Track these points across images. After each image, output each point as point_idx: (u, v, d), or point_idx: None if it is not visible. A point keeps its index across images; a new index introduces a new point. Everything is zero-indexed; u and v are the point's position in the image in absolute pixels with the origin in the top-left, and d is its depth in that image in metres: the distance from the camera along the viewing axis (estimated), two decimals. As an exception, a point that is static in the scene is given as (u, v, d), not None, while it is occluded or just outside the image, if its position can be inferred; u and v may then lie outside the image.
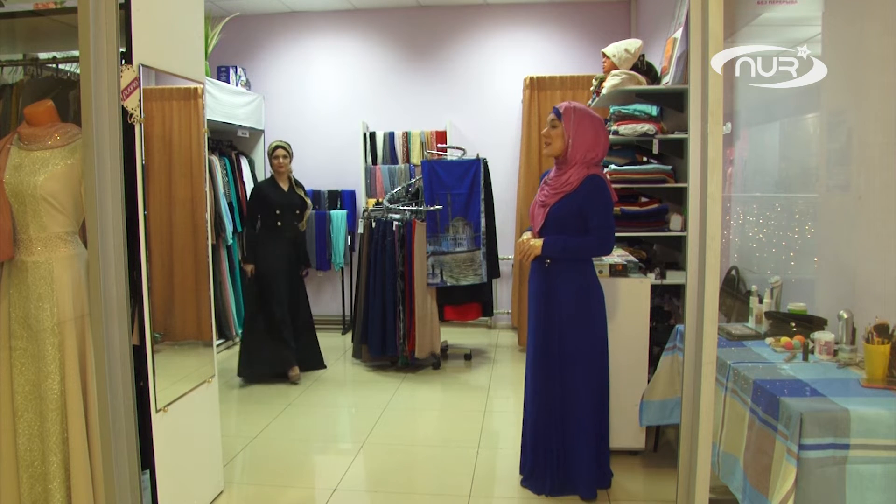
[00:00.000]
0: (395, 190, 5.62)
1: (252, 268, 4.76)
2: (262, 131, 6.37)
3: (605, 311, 2.95)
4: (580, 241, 2.83)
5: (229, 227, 5.64)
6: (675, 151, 3.83)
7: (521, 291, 5.70)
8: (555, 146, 2.89)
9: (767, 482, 1.98)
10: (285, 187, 4.79)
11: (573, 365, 2.88)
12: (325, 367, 5.06)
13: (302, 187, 4.90)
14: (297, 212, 4.79)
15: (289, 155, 4.81)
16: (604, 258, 3.31)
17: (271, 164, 4.79)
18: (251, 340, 4.79)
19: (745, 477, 2.12)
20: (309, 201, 4.93)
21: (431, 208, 5.01)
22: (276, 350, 4.74)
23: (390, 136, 6.30)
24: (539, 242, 2.89)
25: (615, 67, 3.87)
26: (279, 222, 4.71)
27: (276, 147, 4.81)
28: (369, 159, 6.32)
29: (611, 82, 3.79)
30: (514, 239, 5.92)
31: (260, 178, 6.34)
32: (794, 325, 2.58)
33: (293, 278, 4.85)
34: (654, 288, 3.47)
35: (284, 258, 4.76)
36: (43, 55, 3.07)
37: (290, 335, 4.78)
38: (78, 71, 2.20)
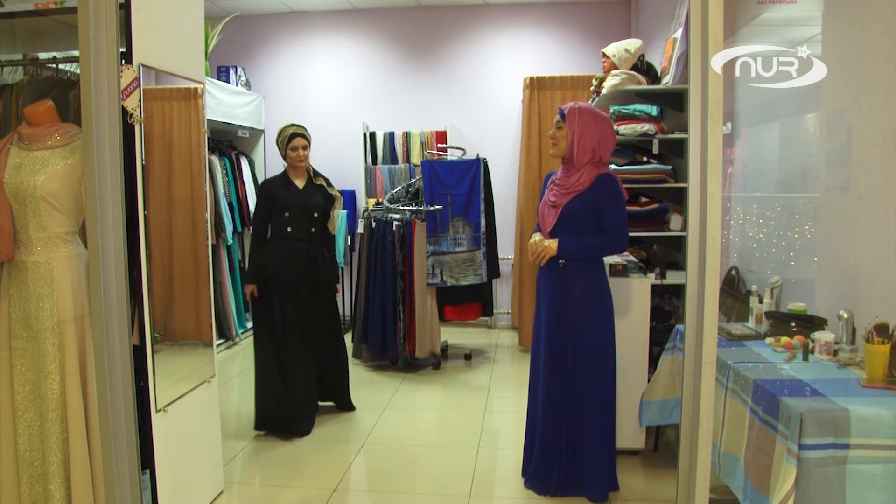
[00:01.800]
0: (395, 190, 5.62)
1: (253, 289, 3.75)
2: (262, 131, 6.37)
3: (613, 312, 2.96)
4: (596, 240, 2.85)
5: (229, 227, 5.64)
6: (675, 151, 3.83)
7: (521, 291, 5.70)
8: (561, 147, 2.91)
9: (768, 482, 1.98)
10: (300, 184, 3.80)
11: (586, 365, 2.88)
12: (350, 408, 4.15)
13: (325, 180, 3.89)
14: (316, 214, 3.77)
15: (309, 145, 3.82)
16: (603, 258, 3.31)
17: (286, 157, 3.80)
18: (264, 386, 3.82)
19: (745, 477, 2.12)
20: (337, 193, 3.91)
21: (431, 208, 5.01)
22: (286, 406, 3.78)
23: (390, 136, 6.30)
24: (554, 243, 2.87)
25: (615, 67, 3.87)
26: (289, 227, 3.72)
27: (294, 135, 3.75)
28: (369, 159, 6.32)
29: (611, 82, 3.79)
30: (514, 239, 5.92)
31: (260, 178, 6.34)
32: (794, 325, 2.58)
33: (310, 303, 3.80)
34: (654, 288, 3.47)
35: (294, 275, 3.74)
36: (43, 55, 3.07)
37: (305, 387, 3.81)
38: (78, 71, 2.20)
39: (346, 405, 4.17)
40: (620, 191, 2.87)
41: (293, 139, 3.74)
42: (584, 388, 2.89)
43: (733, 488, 2.21)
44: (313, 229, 3.78)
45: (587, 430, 2.90)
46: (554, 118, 2.98)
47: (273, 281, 3.73)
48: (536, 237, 3.00)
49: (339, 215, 3.93)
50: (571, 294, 2.88)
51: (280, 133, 3.82)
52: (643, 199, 3.92)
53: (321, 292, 3.86)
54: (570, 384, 2.90)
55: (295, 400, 3.78)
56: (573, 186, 2.86)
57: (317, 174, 3.87)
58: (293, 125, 3.81)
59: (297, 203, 3.74)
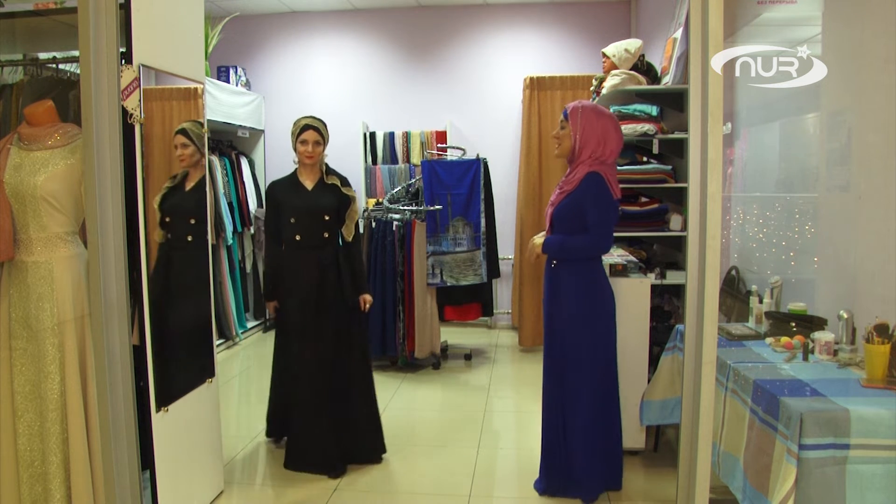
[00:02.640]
0: (395, 190, 5.63)
1: (274, 305, 3.43)
2: (262, 131, 6.37)
3: (612, 313, 2.90)
4: (577, 240, 2.82)
5: (229, 227, 5.64)
6: (675, 151, 3.83)
7: (521, 291, 5.70)
8: (564, 146, 2.88)
9: (767, 482, 1.98)
10: (310, 184, 3.29)
11: (575, 365, 2.86)
12: (380, 458, 3.44)
13: (340, 178, 3.35)
14: (327, 217, 3.25)
15: (323, 140, 3.29)
16: (604, 258, 3.30)
17: (296, 151, 3.31)
18: (279, 398, 3.58)
19: (745, 477, 2.12)
20: (353, 193, 3.35)
21: (431, 208, 5.01)
22: (312, 438, 3.31)
23: (390, 136, 6.30)
24: (540, 241, 2.91)
25: (615, 67, 3.87)
26: (297, 235, 3.24)
27: (307, 127, 3.25)
28: (369, 159, 6.32)
29: (611, 82, 3.79)
30: (514, 239, 5.93)
31: (261, 179, 6.35)
32: (794, 325, 2.58)
33: (326, 320, 3.26)
34: (654, 288, 3.46)
35: (308, 290, 3.24)
36: (43, 55, 3.07)
37: (325, 417, 3.27)
38: (78, 71, 2.20)
39: (366, 447, 3.42)
40: (605, 189, 2.79)
41: (304, 131, 3.24)
42: (572, 388, 2.86)
43: (733, 488, 2.21)
44: (326, 234, 3.27)
45: (577, 430, 2.86)
46: (558, 118, 2.96)
47: (284, 299, 3.35)
48: (539, 236, 3.00)
49: (356, 217, 3.35)
50: (562, 294, 2.87)
51: (293, 124, 3.34)
52: (643, 199, 3.92)
53: (333, 314, 3.28)
54: (560, 383, 2.89)
55: (306, 438, 3.32)
56: (566, 186, 2.86)
57: (330, 172, 3.35)
58: (309, 117, 3.32)
59: (302, 206, 3.26)
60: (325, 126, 3.32)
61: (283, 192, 3.34)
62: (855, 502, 1.84)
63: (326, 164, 3.37)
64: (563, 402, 2.90)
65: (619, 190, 2.90)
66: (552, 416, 2.95)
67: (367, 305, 3.39)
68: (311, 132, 3.24)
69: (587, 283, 2.86)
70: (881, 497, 1.85)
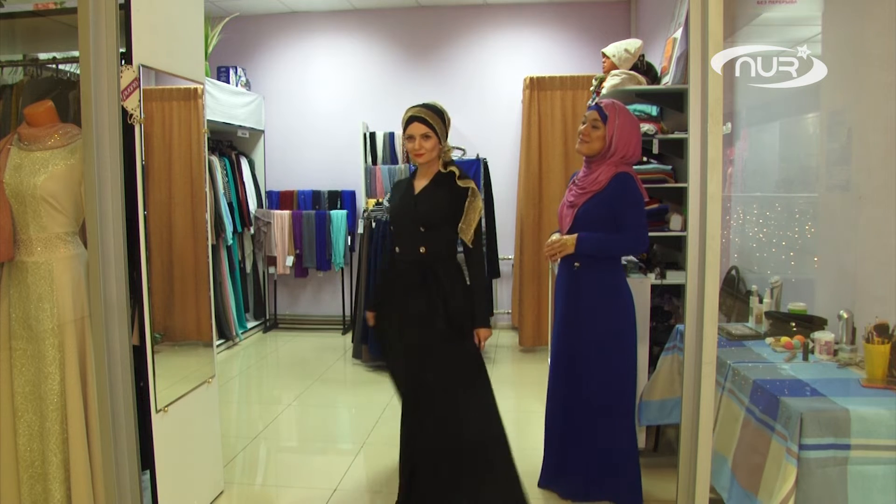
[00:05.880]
0: (395, 190, 5.62)
1: (370, 316, 2.93)
2: (262, 131, 6.37)
3: (634, 319, 2.82)
4: (616, 238, 2.72)
5: (229, 227, 5.64)
6: (675, 151, 3.83)
7: (521, 291, 5.70)
8: (593, 146, 2.78)
9: (759, 482, 1.98)
10: (420, 184, 2.70)
11: (597, 372, 2.77)
12: None
13: (457, 170, 2.67)
14: (423, 229, 2.64)
15: (434, 131, 2.63)
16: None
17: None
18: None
19: (732, 476, 2.12)
20: (470, 185, 2.65)
21: (431, 208, 5.00)
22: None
23: (390, 136, 6.29)
24: (572, 239, 2.75)
25: (615, 67, 3.87)
26: (397, 246, 2.74)
27: (412, 119, 2.65)
28: (369, 159, 6.31)
29: (611, 82, 3.79)
30: (514, 239, 5.92)
31: (260, 179, 6.35)
32: (794, 325, 2.58)
33: (429, 354, 2.66)
34: (654, 288, 3.47)
35: (399, 312, 2.72)
36: (43, 55, 3.07)
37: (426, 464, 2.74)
38: (78, 71, 2.21)
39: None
40: (639, 190, 2.76)
41: (409, 125, 2.66)
42: (594, 393, 2.79)
43: (718, 488, 2.21)
44: (423, 249, 2.65)
45: (598, 434, 2.80)
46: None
47: (383, 313, 2.84)
48: (554, 237, 2.89)
49: (477, 216, 2.65)
50: (585, 298, 2.78)
51: (403, 117, 2.73)
52: (643, 199, 3.92)
53: (444, 336, 2.65)
54: (580, 389, 2.82)
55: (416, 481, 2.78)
56: (590, 186, 2.77)
57: (448, 164, 2.69)
58: (415, 106, 2.69)
59: (404, 212, 2.71)
60: (439, 112, 2.67)
61: (394, 193, 2.87)
62: (857, 503, 1.84)
63: (450, 157, 2.73)
64: (586, 405, 2.81)
65: (645, 191, 2.84)
66: (568, 419, 2.86)
67: (483, 342, 2.69)
68: (416, 125, 2.64)
69: (612, 287, 2.79)
70: (883, 497, 1.85)
